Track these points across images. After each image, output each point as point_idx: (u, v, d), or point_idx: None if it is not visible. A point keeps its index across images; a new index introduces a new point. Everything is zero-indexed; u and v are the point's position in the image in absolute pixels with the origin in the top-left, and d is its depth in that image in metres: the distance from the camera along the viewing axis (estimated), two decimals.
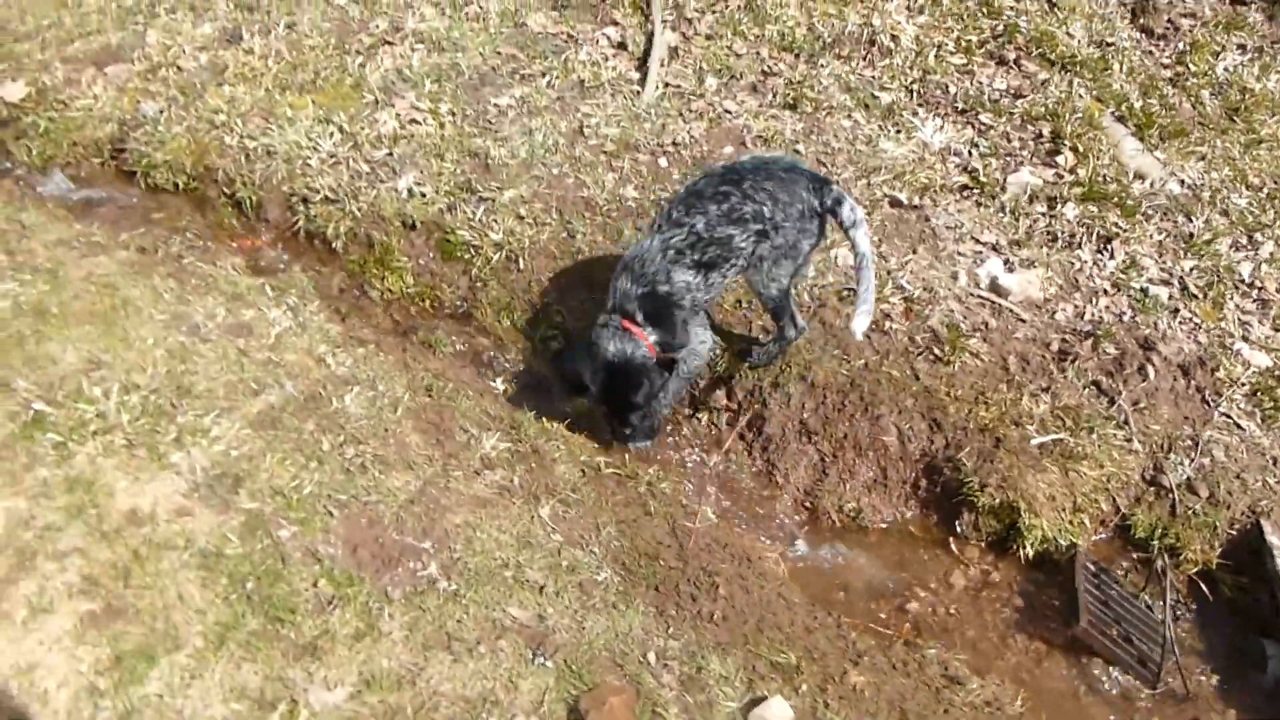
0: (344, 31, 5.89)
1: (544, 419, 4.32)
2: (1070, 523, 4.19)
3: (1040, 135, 5.42)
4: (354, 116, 5.38)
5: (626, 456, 4.25)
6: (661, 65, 5.81)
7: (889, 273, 4.84)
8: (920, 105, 5.61)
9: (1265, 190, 5.22)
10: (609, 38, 6.02)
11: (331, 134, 5.27)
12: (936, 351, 4.57)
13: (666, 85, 5.72)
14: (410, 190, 5.11)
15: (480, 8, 6.09)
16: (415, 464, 3.78)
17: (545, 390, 4.66)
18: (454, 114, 5.46)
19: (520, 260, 4.92)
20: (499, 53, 5.84)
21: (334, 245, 5.05)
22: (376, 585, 3.30)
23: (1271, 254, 4.94)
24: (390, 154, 5.24)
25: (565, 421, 4.38)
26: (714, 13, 6.14)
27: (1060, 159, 5.30)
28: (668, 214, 4.09)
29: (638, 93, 5.66)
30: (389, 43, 5.84)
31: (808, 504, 4.41)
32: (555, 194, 5.13)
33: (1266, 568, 3.96)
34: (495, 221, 4.99)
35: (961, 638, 3.96)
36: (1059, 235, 5.04)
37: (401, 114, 5.44)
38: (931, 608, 4.06)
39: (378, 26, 5.91)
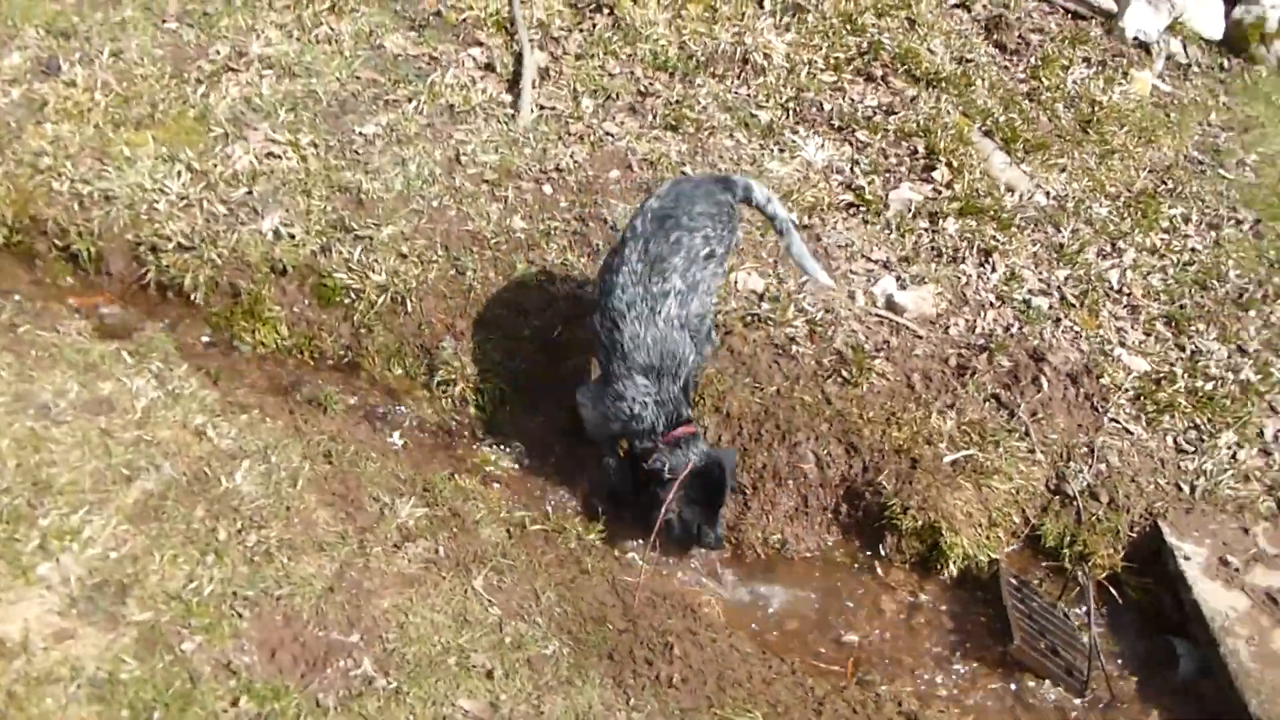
0: (179, 58, 5.33)
1: (456, 477, 4.03)
2: (987, 538, 4.26)
3: (915, 151, 5.53)
4: (203, 152, 4.87)
5: (549, 510, 4.01)
6: (534, 87, 5.57)
7: (789, 295, 4.80)
8: (798, 123, 5.62)
9: (1122, 199, 5.52)
10: (474, 59, 5.73)
11: (179, 173, 4.75)
12: (844, 374, 4.56)
13: (541, 108, 5.49)
14: (277, 232, 4.67)
15: (332, 29, 5.65)
16: (327, 544, 3.42)
17: (449, 442, 4.36)
18: (316, 145, 5.04)
19: (407, 302, 4.59)
20: (358, 77, 5.44)
21: (193, 297, 4.55)
22: (306, 693, 2.95)
23: (1134, 261, 5.21)
24: (250, 193, 4.77)
25: (478, 477, 4.10)
26: (581, 31, 5.94)
27: (936, 174, 5.42)
28: (647, 293, 3.91)
29: (512, 116, 5.40)
30: (233, 69, 5.33)
31: (732, 538, 4.29)
32: (438, 228, 4.82)
33: (1168, 568, 4.15)
34: (376, 262, 4.63)
35: (900, 666, 3.94)
36: (943, 250, 5.15)
37: (256, 148, 4.97)
38: (867, 637, 4.03)
39: (218, 52, 5.38)
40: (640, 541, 3.96)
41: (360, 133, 5.16)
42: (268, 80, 5.30)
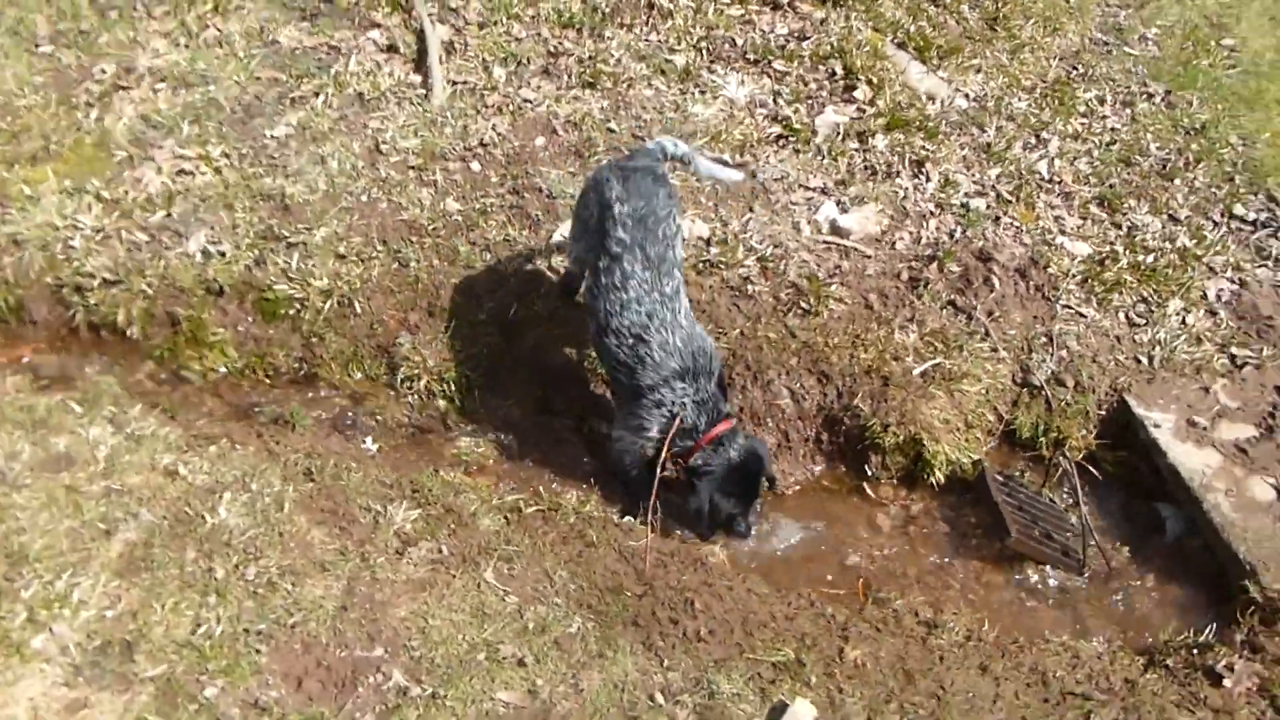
0: (63, 83, 5.03)
1: (440, 472, 3.95)
2: (967, 440, 4.36)
3: (833, 74, 5.52)
4: (110, 180, 4.63)
5: (541, 490, 3.97)
6: (441, 63, 5.40)
7: (736, 235, 4.79)
8: (714, 62, 5.55)
9: (1038, 90, 5.60)
10: (375, 42, 5.52)
11: (89, 205, 4.52)
12: (803, 305, 4.58)
13: (454, 83, 5.33)
14: (205, 251, 4.49)
15: (220, 31, 5.38)
16: (329, 563, 3.34)
17: (424, 438, 4.27)
18: (229, 155, 4.82)
19: (355, 303, 4.46)
20: (258, 78, 5.20)
21: (129, 333, 4.35)
22: (342, 715, 2.89)
23: (1060, 149, 5.31)
24: (169, 215, 4.56)
25: (462, 468, 4.03)
26: None
27: (858, 93, 5.43)
28: (662, 296, 3.81)
29: (425, 96, 5.24)
30: (124, 87, 5.05)
31: None
32: (373, 223, 4.67)
33: (1140, 438, 4.29)
34: (314, 267, 4.49)
35: (907, 578, 4.02)
36: (877, 168, 5.17)
37: (165, 166, 4.74)
38: (871, 557, 4.11)
39: (103, 71, 5.09)
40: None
41: (272, 136, 4.95)
42: (163, 94, 5.04)
